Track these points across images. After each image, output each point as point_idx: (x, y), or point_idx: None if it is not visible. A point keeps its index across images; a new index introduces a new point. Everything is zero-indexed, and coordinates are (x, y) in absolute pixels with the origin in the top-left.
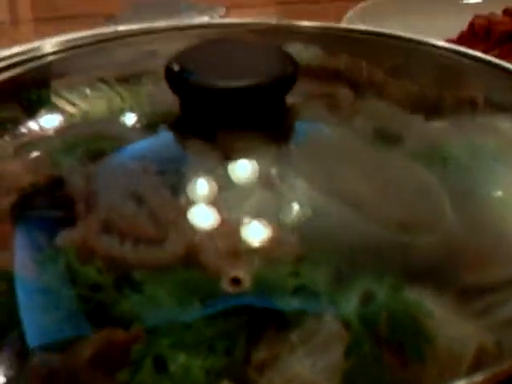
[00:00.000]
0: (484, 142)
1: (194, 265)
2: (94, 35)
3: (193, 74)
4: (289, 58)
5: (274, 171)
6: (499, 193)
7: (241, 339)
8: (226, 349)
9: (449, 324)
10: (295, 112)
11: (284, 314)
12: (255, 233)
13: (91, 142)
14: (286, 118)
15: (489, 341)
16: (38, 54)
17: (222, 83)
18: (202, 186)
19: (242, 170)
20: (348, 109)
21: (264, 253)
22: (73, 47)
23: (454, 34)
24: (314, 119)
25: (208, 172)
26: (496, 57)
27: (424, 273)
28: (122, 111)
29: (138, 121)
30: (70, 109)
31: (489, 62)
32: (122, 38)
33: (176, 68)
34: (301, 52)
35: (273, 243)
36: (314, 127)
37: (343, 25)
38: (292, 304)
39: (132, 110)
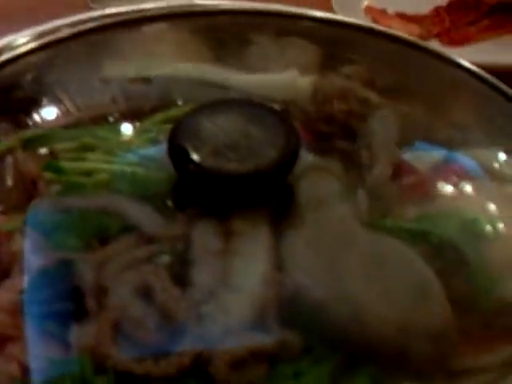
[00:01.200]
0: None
1: (202, 376)
2: (77, 21)
3: (194, 153)
4: (291, 132)
5: (276, 263)
6: (486, 274)
7: None
8: None
9: None
10: (297, 187)
11: None
12: (258, 337)
13: (92, 219)
14: (288, 195)
15: None
16: (11, 54)
17: (224, 169)
18: (207, 281)
19: (244, 260)
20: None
21: (268, 357)
22: (52, 42)
23: (444, 2)
24: (314, 194)
25: (213, 263)
26: (486, 27)
27: (415, 371)
28: (117, 175)
29: (136, 188)
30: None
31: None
32: (110, 29)
33: (177, 145)
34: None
35: (276, 345)
36: (315, 205)
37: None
38: None
39: (128, 174)
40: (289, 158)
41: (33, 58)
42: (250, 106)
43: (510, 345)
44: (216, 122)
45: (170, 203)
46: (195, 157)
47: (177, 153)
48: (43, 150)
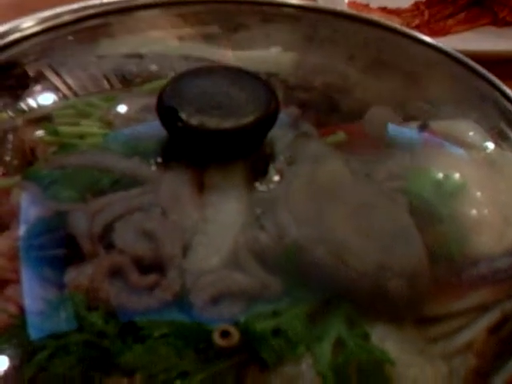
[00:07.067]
0: (446, 177)
1: (186, 310)
2: (76, 9)
3: (182, 112)
4: (272, 95)
5: (259, 210)
6: (456, 228)
7: (230, 381)
8: None
9: (410, 367)
10: (278, 143)
11: (265, 358)
12: (237, 276)
13: (85, 174)
14: (269, 151)
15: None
16: (17, 36)
17: (208, 125)
18: (191, 224)
19: (227, 207)
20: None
21: (247, 296)
22: (54, 27)
23: None
24: (294, 151)
25: (194, 213)
26: (463, 20)
27: (390, 311)
28: (109, 137)
29: (128, 148)
30: (62, 130)
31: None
32: (104, 15)
33: (166, 105)
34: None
35: (254, 285)
36: (296, 159)
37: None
38: (271, 347)
39: (121, 135)
40: (268, 117)
41: (36, 40)
42: (233, 71)
43: (476, 292)
44: (201, 85)
45: (158, 159)
46: (183, 115)
47: (166, 112)
48: (42, 117)
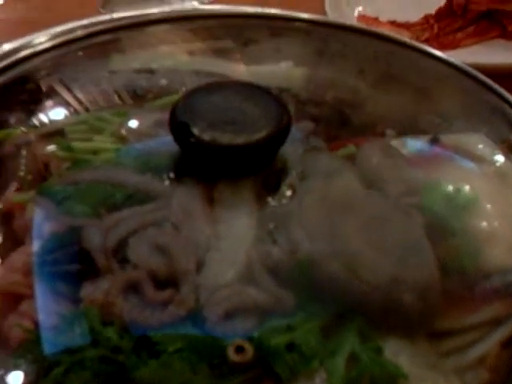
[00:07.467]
0: (457, 191)
1: (200, 325)
2: (87, 25)
3: (194, 127)
4: (284, 110)
5: (271, 225)
6: (468, 241)
7: None
8: None
9: (423, 382)
10: (290, 158)
11: (279, 373)
12: (251, 291)
13: (98, 190)
14: (281, 165)
15: None
16: (30, 52)
17: (221, 141)
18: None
19: (238, 223)
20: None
21: (261, 311)
22: (65, 43)
23: (433, 10)
24: (305, 166)
25: (205, 227)
26: (472, 33)
27: (403, 325)
28: (123, 152)
29: (141, 163)
30: (76, 145)
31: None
32: (115, 31)
33: (178, 120)
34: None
35: (267, 300)
36: (307, 174)
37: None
38: (285, 362)
39: (134, 150)
40: (280, 132)
41: (48, 56)
42: (244, 86)
43: (489, 306)
44: (213, 101)
45: (171, 174)
46: (195, 130)
47: (178, 127)
48: (55, 132)
